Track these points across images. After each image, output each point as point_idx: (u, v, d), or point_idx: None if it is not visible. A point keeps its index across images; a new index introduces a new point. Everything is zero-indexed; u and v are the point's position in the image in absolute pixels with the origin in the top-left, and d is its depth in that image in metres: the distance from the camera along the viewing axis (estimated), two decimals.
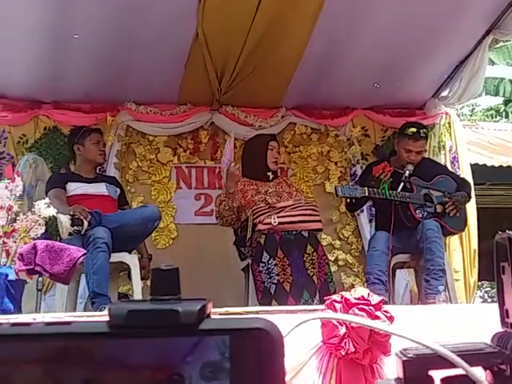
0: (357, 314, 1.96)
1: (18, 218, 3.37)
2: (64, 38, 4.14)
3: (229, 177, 3.95)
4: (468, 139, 6.04)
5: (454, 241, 4.75)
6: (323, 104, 5.10)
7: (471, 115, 16.55)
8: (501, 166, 6.40)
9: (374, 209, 4.83)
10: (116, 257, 3.57)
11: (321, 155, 5.19)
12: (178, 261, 4.64)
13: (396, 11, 4.13)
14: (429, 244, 3.80)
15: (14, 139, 4.80)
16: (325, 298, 2.16)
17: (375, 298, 2.03)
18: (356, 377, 1.99)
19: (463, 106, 8.64)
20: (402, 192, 3.98)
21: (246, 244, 3.85)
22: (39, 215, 3.28)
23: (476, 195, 4.77)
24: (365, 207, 4.93)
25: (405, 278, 4.68)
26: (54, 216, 3.35)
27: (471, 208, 4.65)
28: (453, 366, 0.58)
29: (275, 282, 3.60)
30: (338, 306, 2.00)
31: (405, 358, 0.60)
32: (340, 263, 4.96)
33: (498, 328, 0.67)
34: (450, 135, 5.20)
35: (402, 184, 3.99)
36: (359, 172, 5.06)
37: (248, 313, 2.41)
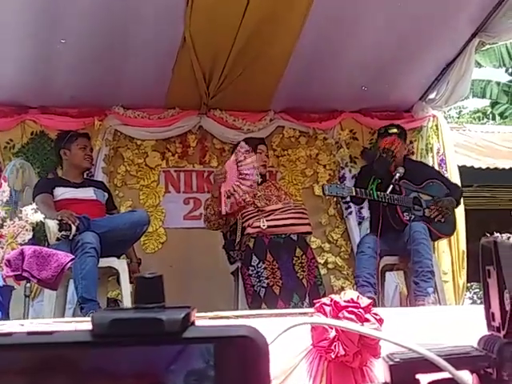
0: (346, 317, 1.96)
1: (4, 223, 3.35)
2: (51, 43, 4.13)
3: (214, 181, 3.96)
4: (455, 141, 6.07)
5: (442, 243, 4.77)
6: (311, 107, 5.11)
7: (458, 117, 16.65)
8: (488, 168, 6.43)
9: (363, 212, 4.85)
10: (105, 262, 3.55)
11: (309, 158, 5.20)
12: (167, 265, 4.63)
13: (383, 15, 4.15)
14: (416, 246, 3.82)
15: (1, 144, 4.77)
16: (314, 301, 2.16)
17: (364, 301, 2.04)
18: (346, 379, 1.99)
19: (450, 108, 8.69)
20: (391, 194, 4.00)
21: (235, 248, 3.85)
22: (26, 221, 3.26)
23: (464, 197, 4.79)
24: (354, 210, 4.94)
25: (394, 281, 4.70)
26: (41, 221, 3.33)
27: (459, 210, 4.67)
28: (440, 369, 0.58)
29: (265, 285, 3.60)
30: (327, 309, 2.01)
31: (391, 363, 0.60)
32: (329, 266, 4.97)
33: (485, 328, 0.67)
34: (438, 137, 5.23)
35: (392, 186, 4.01)
36: (348, 175, 5.08)
37: (237, 317, 2.40)
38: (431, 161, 5.13)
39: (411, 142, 5.17)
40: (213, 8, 3.99)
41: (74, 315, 3.63)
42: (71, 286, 3.59)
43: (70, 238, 3.47)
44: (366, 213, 4.85)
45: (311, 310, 2.12)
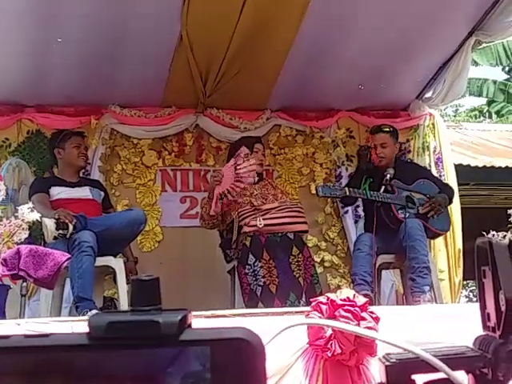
0: (342, 316, 1.97)
1: (1, 222, 3.34)
2: (47, 42, 4.12)
3: (210, 182, 3.98)
4: (452, 140, 6.09)
5: (438, 241, 4.78)
6: (308, 106, 5.12)
7: (455, 116, 16.68)
8: (484, 167, 6.45)
9: (359, 210, 4.86)
10: (101, 261, 3.55)
11: (306, 157, 5.20)
12: (164, 264, 4.63)
13: (380, 14, 4.15)
14: (412, 242, 3.83)
15: None
16: (311, 299, 2.16)
17: (361, 300, 2.04)
18: (342, 378, 1.99)
19: (447, 106, 8.70)
20: (384, 193, 4.02)
21: (231, 246, 3.86)
22: (23, 220, 3.25)
23: (460, 195, 4.81)
24: (350, 209, 4.95)
25: (390, 279, 4.71)
26: (37, 220, 3.32)
27: (455, 208, 4.68)
28: (435, 370, 0.58)
29: (261, 284, 3.60)
30: (323, 307, 2.01)
31: (387, 363, 0.60)
32: (326, 264, 4.97)
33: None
34: (434, 136, 5.23)
35: (384, 187, 4.04)
36: (344, 173, 5.08)
37: (234, 315, 2.40)
38: (428, 159, 5.13)
39: (408, 141, 5.18)
40: (210, 7, 3.99)
41: (70, 314, 3.62)
42: (67, 285, 3.58)
43: (68, 236, 3.47)
44: (362, 211, 4.86)
45: (308, 308, 2.12)
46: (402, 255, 3.96)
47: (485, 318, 0.65)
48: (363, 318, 1.96)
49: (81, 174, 4.24)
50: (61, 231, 3.46)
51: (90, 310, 3.21)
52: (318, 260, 4.83)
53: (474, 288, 13.48)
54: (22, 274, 3.14)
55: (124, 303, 3.51)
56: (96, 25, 4.03)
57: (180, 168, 5.08)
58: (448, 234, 4.67)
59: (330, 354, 1.92)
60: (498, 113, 13.95)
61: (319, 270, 4.53)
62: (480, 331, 0.67)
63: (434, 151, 5.18)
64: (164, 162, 5.04)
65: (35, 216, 3.21)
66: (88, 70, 4.39)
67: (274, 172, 5.15)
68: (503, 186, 6.66)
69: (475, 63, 11.29)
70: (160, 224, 4.94)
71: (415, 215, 4.05)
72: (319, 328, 1.96)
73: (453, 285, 4.86)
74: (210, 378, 0.41)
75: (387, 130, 4.28)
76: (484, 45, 7.49)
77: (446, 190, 4.35)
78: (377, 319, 2.00)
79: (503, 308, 0.61)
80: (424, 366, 0.59)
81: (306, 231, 4.07)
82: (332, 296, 2.03)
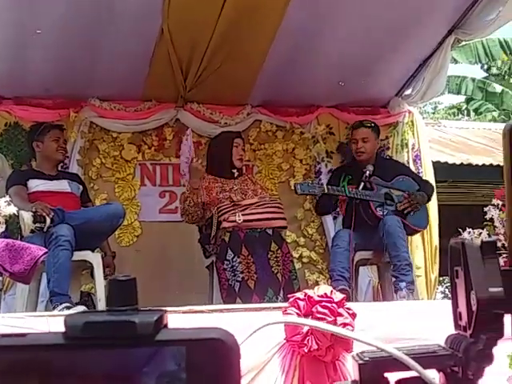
0: (320, 312, 1.99)
1: None
2: (25, 33, 4.08)
3: (193, 172, 3.96)
4: (430, 137, 6.13)
5: (415, 238, 4.82)
6: (288, 102, 5.12)
7: (434, 113, 16.82)
8: (462, 164, 6.52)
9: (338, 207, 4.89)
10: (79, 255, 3.53)
11: (286, 152, 5.21)
12: (142, 258, 4.62)
13: (361, 11, 4.18)
14: (393, 239, 3.86)
15: None
16: (288, 295, 2.18)
17: (338, 296, 2.06)
18: (319, 374, 2.01)
19: (426, 104, 8.77)
20: (362, 190, 4.05)
21: (210, 242, 3.86)
22: None
23: (438, 192, 4.85)
24: None
25: (368, 275, 4.74)
26: (14, 214, 3.30)
27: (432, 205, 4.73)
28: (408, 368, 0.60)
29: (239, 279, 3.61)
30: (301, 303, 2.03)
31: (361, 362, 0.61)
32: (304, 260, 5.00)
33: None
34: (413, 133, 5.27)
35: (363, 184, 4.06)
36: (324, 169, 5.11)
37: (212, 311, 2.41)
38: (406, 156, 5.17)
39: (387, 138, 5.22)
40: (190, 3, 3.98)
41: (46, 309, 3.59)
42: (44, 280, 3.56)
43: (45, 230, 3.44)
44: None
45: (285, 304, 2.14)
46: (380, 252, 3.99)
47: (456, 317, 0.67)
48: (340, 314, 1.98)
49: (59, 168, 4.21)
50: (38, 224, 3.44)
51: (61, 304, 3.19)
52: (297, 256, 4.85)
53: (449, 284, 13.66)
54: None
55: (101, 298, 3.49)
56: (76, 17, 4.00)
57: (159, 162, 5.06)
58: (425, 230, 4.72)
59: (306, 350, 1.93)
60: (476, 110, 14.09)
61: (297, 265, 4.55)
62: (451, 329, 0.69)
63: (413, 148, 5.22)
64: (144, 157, 5.02)
65: (12, 210, 3.18)
66: (67, 62, 4.35)
67: (253, 167, 5.15)
68: (480, 183, 6.73)
69: (454, 61, 11.39)
70: (139, 218, 4.92)
71: (393, 212, 4.09)
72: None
73: (429, 281, 4.91)
74: (186, 377, 0.41)
75: (369, 125, 4.33)
76: (463, 43, 7.54)
77: (426, 186, 4.39)
78: (353, 315, 2.03)
79: (474, 308, 0.62)
80: (397, 365, 0.60)
81: (285, 227, 4.08)
82: (309, 292, 2.05)
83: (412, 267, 3.90)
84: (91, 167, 4.89)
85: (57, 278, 3.31)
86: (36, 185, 3.89)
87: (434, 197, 4.61)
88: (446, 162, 6.32)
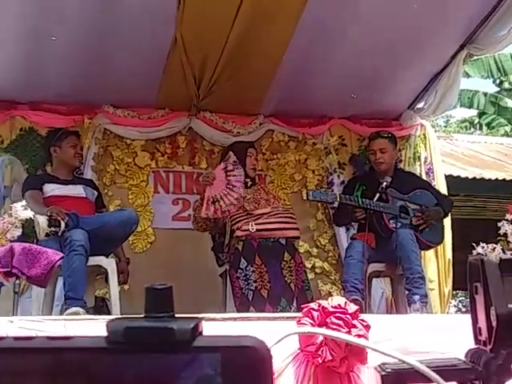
0: (334, 323, 1.99)
1: None
2: (41, 39, 4.12)
3: (201, 181, 4.01)
4: (442, 150, 6.12)
5: (429, 251, 4.79)
6: (301, 112, 5.14)
7: (446, 126, 16.77)
8: (474, 178, 6.49)
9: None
10: (93, 260, 3.55)
11: (298, 163, 5.22)
12: (156, 265, 4.64)
13: (374, 23, 4.19)
14: (406, 253, 3.84)
15: None
16: (302, 305, 2.18)
17: (352, 307, 2.06)
18: None
19: (438, 117, 8.76)
20: (377, 201, 4.03)
21: (223, 250, 3.87)
22: (16, 217, 3.26)
23: None
24: None
25: (381, 287, 4.73)
26: (30, 218, 3.33)
27: (446, 219, 4.72)
28: (429, 380, 0.61)
29: (253, 288, 3.62)
30: (315, 314, 2.03)
31: (383, 373, 0.63)
32: (317, 271, 4.99)
33: (471, 339, 0.70)
34: (425, 146, 5.28)
35: (379, 194, 4.05)
36: (336, 180, 5.11)
37: (225, 319, 2.42)
38: (418, 169, 5.17)
39: (399, 150, 5.21)
40: (205, 9, 4.01)
41: (61, 313, 3.62)
42: (60, 284, 3.59)
43: (59, 234, 3.47)
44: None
45: (299, 314, 2.15)
46: (393, 264, 3.97)
47: (476, 332, 0.68)
48: (354, 326, 1.98)
49: (74, 173, 4.24)
50: (53, 228, 3.46)
51: (70, 308, 3.21)
52: (309, 266, 4.85)
53: (462, 298, 13.56)
54: (15, 271, 3.14)
55: (116, 303, 3.51)
56: (91, 24, 4.04)
57: (173, 170, 5.09)
58: None
59: (320, 361, 1.94)
60: (488, 125, 14.05)
61: (310, 276, 4.55)
62: (467, 343, 0.70)
63: (425, 161, 5.22)
64: (157, 164, 5.05)
65: (28, 214, 3.21)
66: (82, 69, 4.39)
67: (266, 177, 5.16)
68: (493, 197, 6.71)
69: (467, 75, 11.38)
70: (152, 225, 4.94)
71: (408, 226, 4.06)
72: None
73: (442, 295, 4.89)
74: (221, 382, 0.43)
75: (386, 135, 4.32)
76: (475, 57, 7.55)
77: (445, 202, 4.35)
78: (368, 327, 2.03)
79: (494, 323, 0.64)
80: (418, 377, 0.61)
81: (298, 237, 4.09)
82: (323, 303, 2.05)
83: (425, 280, 3.88)
84: (105, 173, 4.92)
85: (71, 282, 3.33)
86: (51, 189, 3.93)
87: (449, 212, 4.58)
88: (459, 176, 6.30)
